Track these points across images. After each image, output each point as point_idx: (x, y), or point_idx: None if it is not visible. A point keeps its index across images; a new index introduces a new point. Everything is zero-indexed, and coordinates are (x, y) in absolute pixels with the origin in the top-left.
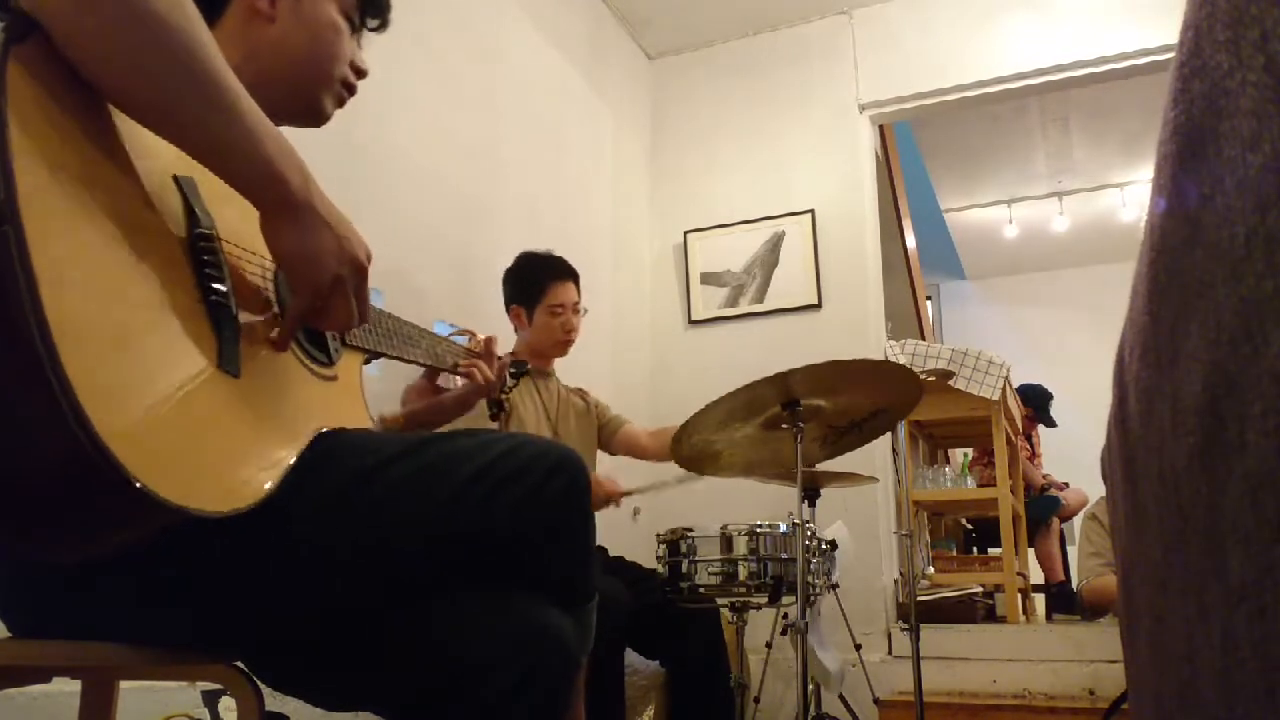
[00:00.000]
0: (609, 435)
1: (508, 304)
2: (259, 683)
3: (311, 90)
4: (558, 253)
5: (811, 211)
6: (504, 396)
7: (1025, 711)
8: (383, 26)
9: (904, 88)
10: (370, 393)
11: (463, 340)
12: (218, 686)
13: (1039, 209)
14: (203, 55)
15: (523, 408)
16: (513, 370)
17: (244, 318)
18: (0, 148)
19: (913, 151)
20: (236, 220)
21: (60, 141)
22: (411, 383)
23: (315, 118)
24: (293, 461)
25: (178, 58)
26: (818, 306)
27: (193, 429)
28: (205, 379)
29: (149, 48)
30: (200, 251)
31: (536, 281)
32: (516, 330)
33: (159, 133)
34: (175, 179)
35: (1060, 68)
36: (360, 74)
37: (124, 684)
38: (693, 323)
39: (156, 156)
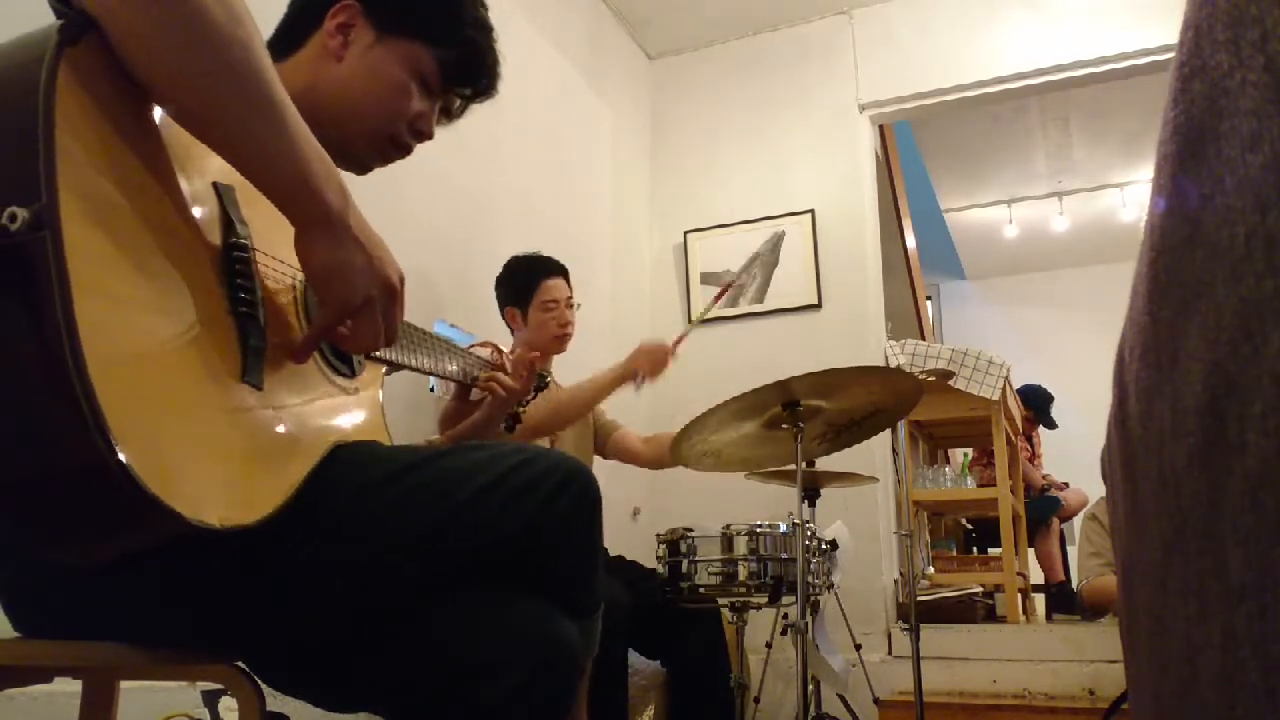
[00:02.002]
0: (602, 439)
1: (502, 308)
2: (260, 683)
3: (352, 134)
4: (558, 253)
5: (811, 211)
6: (520, 410)
7: (1025, 711)
8: (488, 92)
9: (904, 88)
10: (409, 403)
11: (485, 353)
12: (218, 686)
13: (1039, 209)
14: (256, 67)
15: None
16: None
17: (271, 329)
18: (47, 153)
19: (913, 151)
20: (272, 231)
21: (104, 147)
22: (445, 405)
23: (351, 163)
24: (307, 473)
25: (231, 67)
26: (818, 306)
27: (211, 441)
28: (228, 391)
29: (203, 54)
30: (233, 261)
31: (526, 281)
32: (513, 333)
33: (204, 140)
34: (215, 186)
35: (1060, 68)
36: (421, 136)
37: (124, 684)
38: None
39: (200, 164)
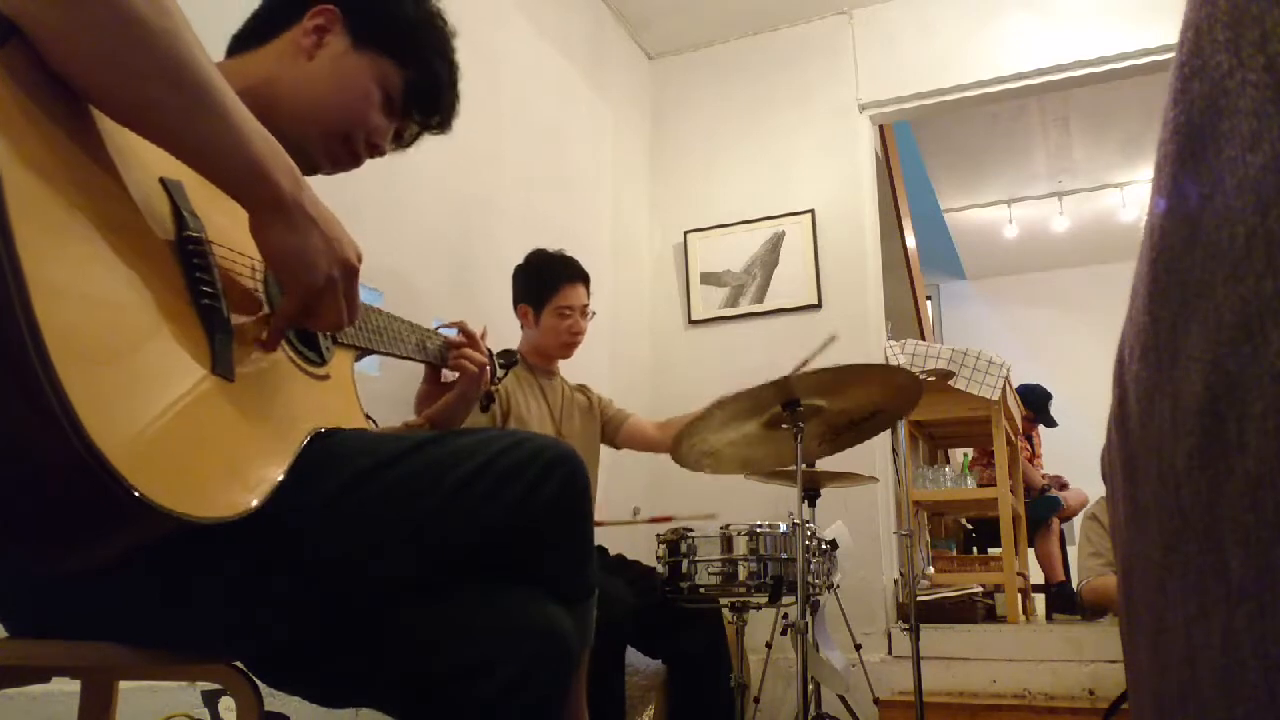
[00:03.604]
0: (614, 430)
1: (516, 302)
2: (259, 682)
3: (309, 132)
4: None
5: (811, 211)
6: (494, 388)
7: (1025, 711)
8: (441, 127)
9: (904, 88)
10: (375, 391)
11: (451, 333)
12: (218, 686)
13: (1039, 209)
14: (188, 57)
15: (526, 409)
16: (502, 361)
17: (235, 320)
18: None
19: (913, 151)
20: (225, 223)
21: (46, 147)
22: (419, 388)
23: (300, 160)
24: (289, 464)
25: (163, 60)
26: (818, 306)
27: (189, 435)
28: (199, 383)
29: (134, 51)
30: (190, 255)
31: (547, 282)
32: (522, 328)
33: (146, 136)
34: (162, 182)
35: (1060, 68)
36: (374, 151)
37: (124, 684)
38: (693, 323)
39: (143, 160)
